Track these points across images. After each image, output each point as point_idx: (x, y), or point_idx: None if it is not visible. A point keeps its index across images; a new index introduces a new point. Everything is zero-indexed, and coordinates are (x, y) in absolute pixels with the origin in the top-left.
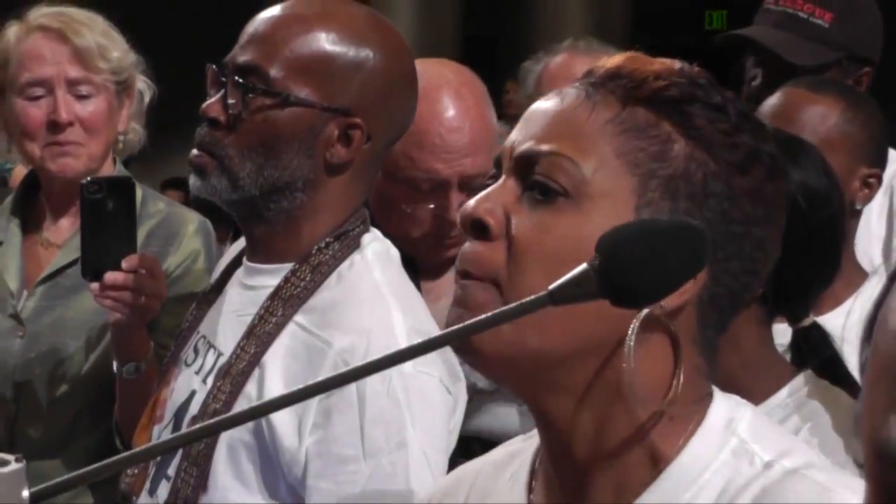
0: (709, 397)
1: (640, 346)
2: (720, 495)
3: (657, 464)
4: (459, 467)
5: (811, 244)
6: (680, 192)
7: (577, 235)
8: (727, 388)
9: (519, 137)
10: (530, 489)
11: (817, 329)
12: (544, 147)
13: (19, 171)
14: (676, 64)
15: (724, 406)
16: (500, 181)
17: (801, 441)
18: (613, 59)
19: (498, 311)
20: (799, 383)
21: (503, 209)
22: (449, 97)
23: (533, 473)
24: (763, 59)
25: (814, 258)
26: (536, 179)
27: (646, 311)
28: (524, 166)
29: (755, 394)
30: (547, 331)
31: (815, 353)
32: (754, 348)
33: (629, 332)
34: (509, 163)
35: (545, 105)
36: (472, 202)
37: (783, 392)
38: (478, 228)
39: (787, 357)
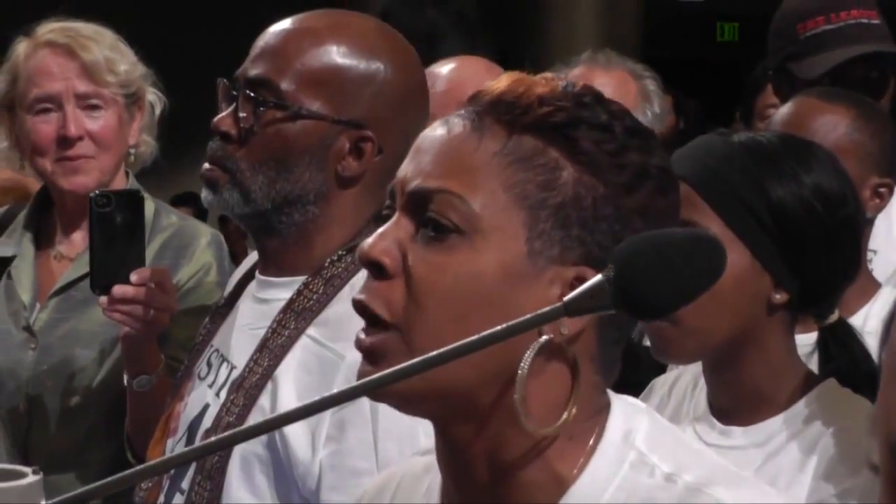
0: (605, 409)
1: (539, 371)
2: None
3: (560, 485)
4: (385, 472)
5: (831, 245)
6: (571, 220)
7: (470, 272)
8: (751, 394)
9: (409, 172)
10: (443, 500)
11: (844, 325)
12: (433, 184)
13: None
14: (560, 83)
15: (620, 418)
16: (395, 218)
17: (702, 450)
18: (498, 84)
19: (512, 323)
20: (821, 391)
21: (399, 247)
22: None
23: (442, 496)
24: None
25: (835, 258)
26: (429, 216)
27: (543, 338)
28: (416, 203)
29: (778, 401)
30: (454, 364)
31: (844, 349)
32: (781, 355)
33: (523, 361)
34: (402, 199)
35: (433, 136)
36: (369, 240)
37: (805, 400)
38: (375, 268)
39: (815, 356)
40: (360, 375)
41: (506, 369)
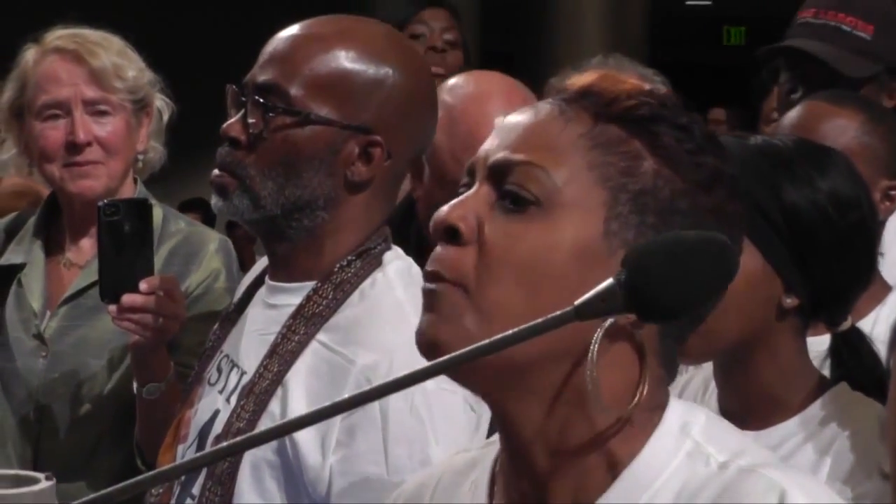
0: (665, 403)
1: (606, 355)
2: (677, 496)
3: (614, 468)
4: (420, 473)
5: (845, 249)
6: (648, 208)
7: (546, 244)
8: (762, 398)
9: (492, 147)
10: (491, 496)
11: (857, 332)
12: (517, 157)
13: (8, 179)
14: (646, 85)
15: (678, 411)
16: (474, 189)
17: (755, 444)
18: (586, 77)
19: (523, 327)
20: (833, 395)
21: (476, 216)
22: (499, 100)
23: (493, 480)
24: (806, 72)
25: (848, 263)
26: (509, 189)
27: (611, 320)
28: (498, 175)
29: (790, 405)
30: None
31: (856, 356)
32: (791, 360)
33: (593, 340)
34: (483, 171)
35: (519, 117)
36: (445, 208)
37: (817, 404)
38: (450, 234)
39: (827, 364)
40: (420, 322)
41: (571, 349)
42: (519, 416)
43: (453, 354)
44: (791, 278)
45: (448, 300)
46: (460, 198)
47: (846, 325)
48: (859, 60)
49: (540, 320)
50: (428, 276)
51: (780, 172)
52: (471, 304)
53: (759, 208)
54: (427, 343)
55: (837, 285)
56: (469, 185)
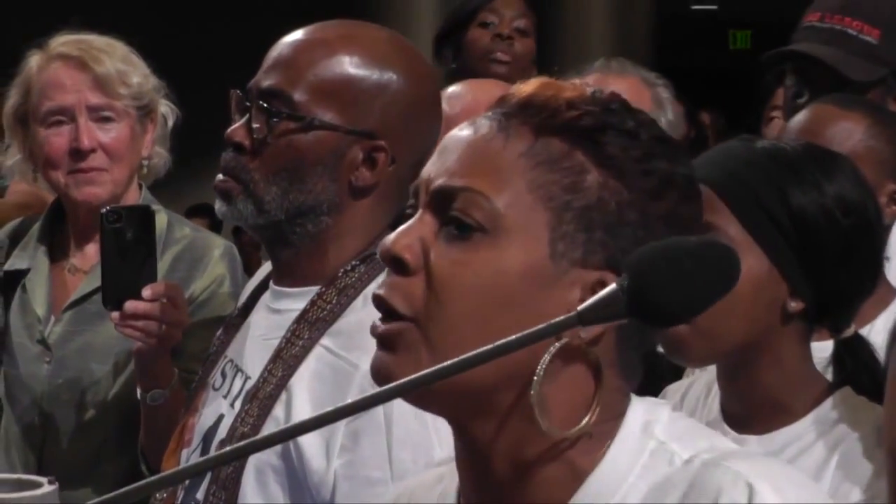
0: (625, 409)
1: (560, 373)
2: (646, 497)
3: (578, 477)
4: (399, 484)
5: (851, 255)
6: (595, 223)
7: (493, 270)
8: (766, 403)
9: (434, 171)
10: None
11: (860, 339)
12: (458, 182)
13: (14, 186)
14: (589, 90)
15: (639, 411)
16: (418, 215)
17: (722, 438)
18: (526, 87)
19: (527, 332)
20: (837, 400)
21: (421, 244)
22: None
23: (460, 493)
24: (812, 76)
25: (854, 267)
26: (453, 215)
27: (562, 341)
28: (440, 201)
29: (794, 409)
30: (480, 375)
31: (859, 363)
32: (795, 364)
33: (539, 365)
34: (426, 197)
35: (460, 136)
36: (391, 237)
37: (821, 409)
38: (397, 264)
39: (830, 370)
40: (375, 360)
41: (526, 370)
42: (477, 434)
43: (458, 359)
44: (797, 281)
45: (403, 340)
46: (405, 225)
47: (849, 331)
48: (865, 64)
49: (542, 325)
50: (379, 307)
51: (788, 176)
52: (424, 340)
53: (765, 211)
54: (385, 380)
55: (843, 289)
56: (415, 208)
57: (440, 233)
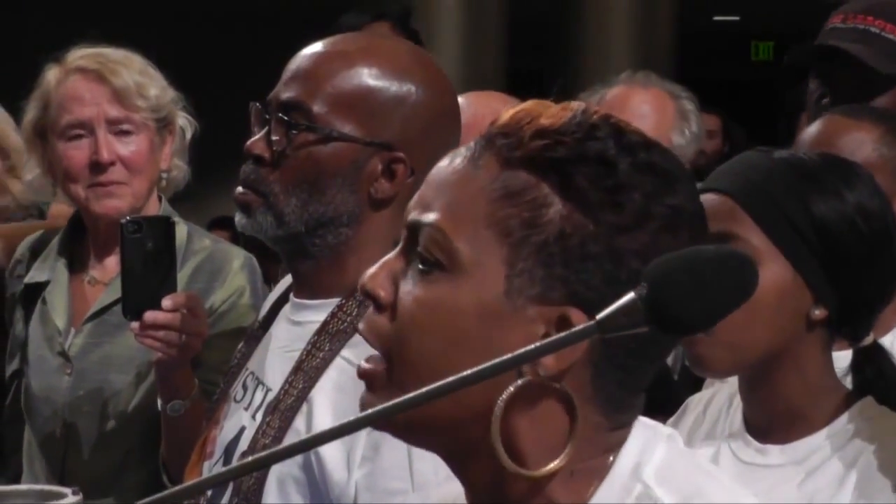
0: (619, 446)
1: (529, 410)
2: None
3: None
4: (442, 488)
5: (872, 262)
6: (554, 258)
7: (448, 308)
8: (787, 412)
9: (412, 203)
10: None
11: (879, 348)
12: (423, 218)
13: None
14: (572, 114)
15: (633, 450)
16: (397, 249)
17: (718, 477)
18: (506, 114)
19: (546, 341)
20: (859, 410)
21: (393, 279)
22: None
23: None
24: (835, 76)
25: (875, 276)
26: (419, 251)
27: (521, 380)
28: (411, 235)
29: (815, 419)
30: (441, 400)
31: (877, 371)
32: (817, 373)
33: (499, 400)
34: (403, 230)
35: (439, 167)
36: (369, 271)
37: (842, 419)
38: (371, 299)
39: (848, 379)
40: (360, 401)
41: (484, 410)
42: (461, 470)
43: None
44: (821, 289)
45: (376, 381)
46: (383, 259)
47: (868, 340)
48: (891, 60)
49: (562, 335)
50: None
51: (809, 185)
52: (390, 379)
53: (788, 220)
54: (380, 425)
55: (865, 297)
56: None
57: (410, 268)
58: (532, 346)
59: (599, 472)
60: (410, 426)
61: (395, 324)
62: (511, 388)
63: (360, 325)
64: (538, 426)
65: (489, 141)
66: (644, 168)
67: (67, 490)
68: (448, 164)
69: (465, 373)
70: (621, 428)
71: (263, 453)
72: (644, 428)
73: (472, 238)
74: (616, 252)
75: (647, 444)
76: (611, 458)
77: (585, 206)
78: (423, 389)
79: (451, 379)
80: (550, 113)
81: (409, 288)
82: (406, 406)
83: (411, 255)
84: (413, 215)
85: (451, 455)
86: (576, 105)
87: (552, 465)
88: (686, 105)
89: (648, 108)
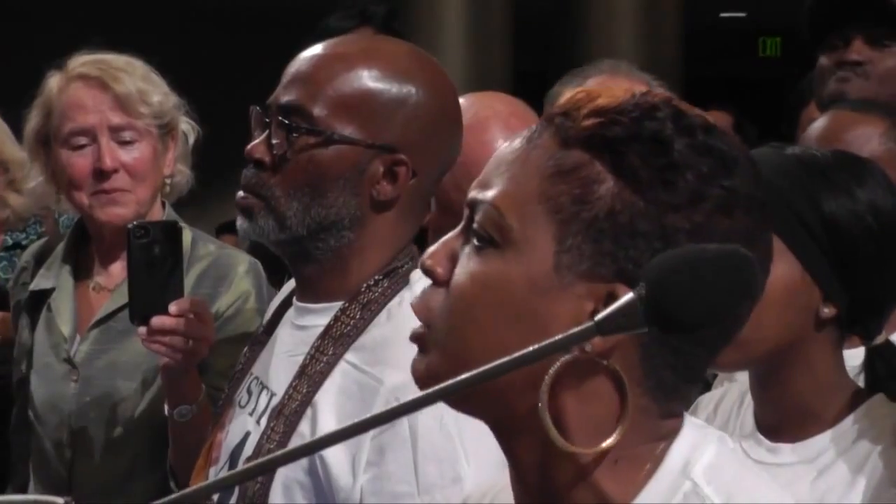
0: (669, 436)
1: (578, 388)
2: None
3: None
4: (489, 480)
5: (883, 260)
6: (604, 235)
7: (498, 283)
8: (798, 410)
9: (475, 183)
10: None
11: (891, 346)
12: (481, 195)
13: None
14: (631, 95)
15: (684, 447)
16: (459, 227)
17: (766, 480)
18: (565, 96)
19: (544, 343)
20: (870, 408)
21: (451, 256)
22: (498, 127)
23: None
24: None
25: (887, 274)
26: (475, 228)
27: (567, 356)
28: (470, 213)
29: (826, 417)
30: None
31: (890, 370)
32: (828, 371)
33: (547, 375)
34: (465, 209)
35: (503, 147)
36: (430, 249)
37: (853, 417)
38: (429, 275)
39: (861, 378)
40: (412, 364)
41: (541, 384)
42: (510, 448)
43: (480, 370)
44: (830, 287)
45: (422, 342)
46: (443, 238)
47: (880, 338)
48: None
49: (560, 336)
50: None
51: (819, 182)
52: (435, 344)
53: (798, 217)
54: (416, 379)
55: (876, 295)
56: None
57: (468, 245)
58: (533, 346)
59: (646, 463)
60: (463, 396)
61: (447, 299)
62: (557, 364)
63: (413, 301)
64: (586, 404)
65: (548, 121)
66: (701, 149)
67: (60, 500)
68: (509, 144)
69: (519, 353)
70: (671, 417)
71: (268, 456)
72: (694, 426)
73: (525, 215)
74: (666, 230)
75: (699, 442)
76: (659, 449)
77: (637, 183)
78: (459, 378)
79: (507, 359)
80: (610, 94)
81: (463, 264)
82: (437, 397)
83: (469, 233)
84: (472, 194)
85: (500, 430)
86: (638, 89)
87: (604, 445)
88: (654, 93)
89: None
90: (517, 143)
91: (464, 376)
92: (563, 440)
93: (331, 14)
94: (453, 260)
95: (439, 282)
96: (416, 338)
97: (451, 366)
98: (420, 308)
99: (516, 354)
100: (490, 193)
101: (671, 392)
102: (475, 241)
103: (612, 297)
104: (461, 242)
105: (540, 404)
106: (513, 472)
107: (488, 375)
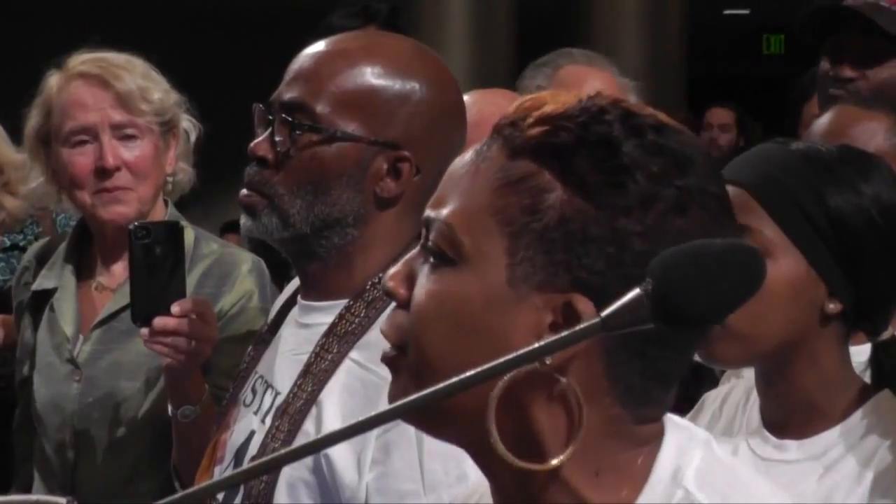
0: (651, 442)
1: (540, 401)
2: None
3: None
4: (475, 481)
5: (889, 256)
6: (556, 244)
7: (454, 299)
8: (804, 406)
9: (430, 201)
10: None
11: None
12: (434, 213)
13: None
14: (579, 100)
15: (671, 454)
16: (418, 246)
17: (758, 481)
18: (513, 105)
19: (548, 340)
20: (876, 404)
21: (410, 275)
22: None
23: None
24: (845, 42)
25: (893, 269)
26: (428, 245)
27: (513, 372)
28: (426, 232)
29: (832, 413)
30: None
31: None
32: (833, 367)
33: (495, 390)
34: (423, 228)
35: (455, 162)
36: (391, 270)
37: (859, 413)
38: (391, 296)
39: (867, 374)
40: (389, 389)
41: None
42: (485, 463)
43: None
44: (835, 283)
45: (395, 366)
46: (405, 257)
47: (887, 334)
48: None
49: (565, 333)
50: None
51: (824, 177)
52: (407, 367)
53: (803, 213)
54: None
55: (882, 291)
56: None
57: (426, 263)
58: (534, 345)
59: (630, 473)
60: (427, 419)
61: (410, 318)
62: (505, 378)
63: (382, 325)
64: (554, 417)
65: (497, 132)
66: (652, 149)
67: (62, 499)
68: (460, 160)
69: (464, 374)
70: (647, 423)
71: (273, 455)
72: (678, 429)
73: (476, 229)
74: (619, 234)
75: (685, 446)
76: (641, 457)
77: (586, 189)
78: (419, 394)
79: (450, 381)
80: (557, 100)
81: (421, 282)
82: (406, 408)
83: (427, 251)
84: (427, 212)
85: (474, 451)
86: (588, 93)
87: (555, 461)
88: (629, 85)
89: (600, 85)
90: (468, 156)
91: (446, 383)
92: (509, 454)
93: (333, 12)
94: (413, 280)
95: (401, 302)
96: (387, 361)
97: (423, 386)
98: (389, 331)
99: (511, 356)
100: (444, 211)
101: (642, 398)
102: (431, 259)
103: (569, 307)
104: (420, 262)
105: (487, 417)
106: (494, 491)
107: (473, 382)
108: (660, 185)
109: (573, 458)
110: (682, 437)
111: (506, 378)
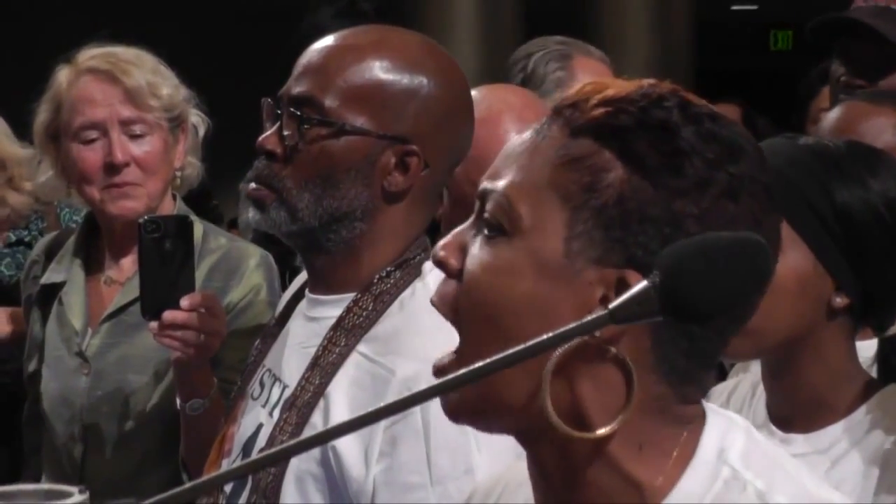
0: (693, 422)
1: (589, 374)
2: None
3: (641, 493)
4: (497, 472)
5: (895, 253)
6: (614, 221)
7: (510, 270)
8: (810, 400)
9: (485, 174)
10: None
11: None
12: (491, 185)
13: None
14: (640, 86)
15: (715, 434)
16: (471, 218)
17: (798, 464)
18: (573, 88)
19: (558, 331)
20: (883, 397)
21: (461, 247)
22: (511, 119)
23: None
24: (854, 50)
25: None
26: (485, 217)
27: (565, 346)
28: (481, 204)
29: (839, 408)
30: (505, 374)
31: None
32: (840, 361)
33: (550, 361)
34: (476, 201)
35: (513, 139)
36: (441, 241)
37: (865, 407)
38: (441, 267)
39: (874, 369)
40: (434, 367)
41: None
42: (530, 439)
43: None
44: (842, 277)
45: (447, 370)
46: (455, 230)
47: (893, 329)
48: None
49: (574, 325)
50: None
51: (832, 172)
52: (459, 359)
53: (810, 207)
54: (437, 375)
55: (889, 285)
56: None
57: (479, 235)
58: (546, 335)
59: (673, 448)
60: (478, 410)
61: (461, 288)
62: (561, 349)
63: (432, 297)
64: (601, 390)
65: (557, 112)
66: (708, 137)
67: (74, 489)
68: (518, 137)
69: (532, 342)
70: (689, 403)
71: (279, 447)
72: (717, 413)
73: (535, 203)
74: (675, 215)
75: (727, 428)
76: (684, 435)
77: (645, 170)
78: (463, 371)
79: (520, 348)
80: (618, 85)
81: (474, 254)
82: (449, 386)
83: (480, 223)
84: (483, 184)
85: (523, 437)
86: (646, 80)
87: (604, 430)
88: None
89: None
90: (527, 134)
91: (474, 366)
92: (562, 424)
93: (318, 9)
94: (465, 251)
95: (452, 273)
96: (438, 368)
97: (472, 358)
98: (439, 302)
99: (526, 344)
100: (500, 183)
101: (685, 377)
102: (486, 231)
103: (623, 283)
104: (472, 234)
105: (542, 389)
106: (535, 475)
107: (498, 366)
108: (714, 170)
109: (618, 433)
110: (723, 421)
111: (562, 349)
